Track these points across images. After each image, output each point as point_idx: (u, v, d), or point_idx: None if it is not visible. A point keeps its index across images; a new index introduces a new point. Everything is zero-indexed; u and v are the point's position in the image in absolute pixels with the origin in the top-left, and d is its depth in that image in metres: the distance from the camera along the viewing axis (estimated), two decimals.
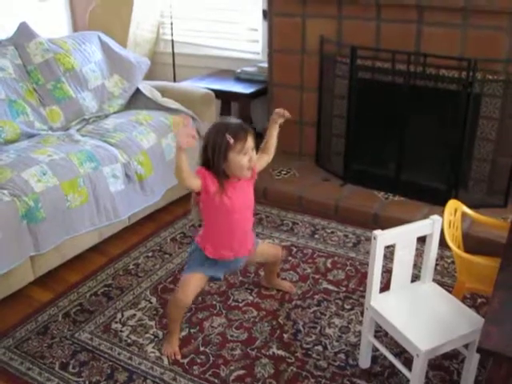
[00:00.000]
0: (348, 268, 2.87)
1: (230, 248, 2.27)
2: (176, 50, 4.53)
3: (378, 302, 2.07)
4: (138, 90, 3.66)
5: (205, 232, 2.29)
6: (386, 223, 2.84)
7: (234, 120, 2.19)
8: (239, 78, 4.14)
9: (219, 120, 2.25)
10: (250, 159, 2.12)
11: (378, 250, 1.98)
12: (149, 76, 4.02)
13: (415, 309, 2.07)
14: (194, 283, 2.25)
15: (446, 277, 2.77)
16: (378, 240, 1.96)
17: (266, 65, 3.93)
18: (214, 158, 2.09)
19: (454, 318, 1.99)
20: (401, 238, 2.03)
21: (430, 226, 2.06)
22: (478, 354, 1.90)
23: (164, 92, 3.69)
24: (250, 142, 2.12)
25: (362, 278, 2.75)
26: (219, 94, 3.86)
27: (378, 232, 1.96)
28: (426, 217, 2.10)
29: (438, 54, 3.09)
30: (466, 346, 2.00)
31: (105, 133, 3.17)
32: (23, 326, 2.48)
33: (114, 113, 3.53)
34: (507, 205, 3.20)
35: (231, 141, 2.05)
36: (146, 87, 3.69)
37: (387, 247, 2.04)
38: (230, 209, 2.18)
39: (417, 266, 2.36)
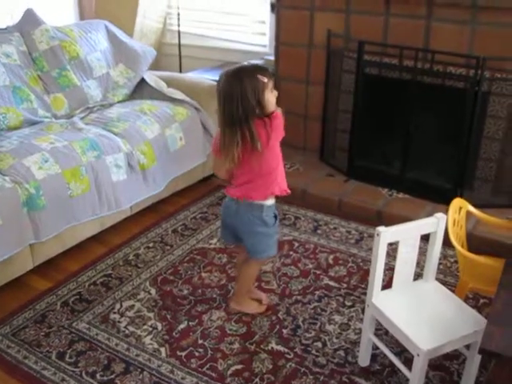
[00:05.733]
0: (350, 264, 2.84)
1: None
2: (182, 41, 4.51)
3: (380, 300, 2.05)
4: (143, 80, 3.64)
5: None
6: (390, 220, 2.82)
7: (244, 64, 2.25)
8: None
9: (226, 69, 2.19)
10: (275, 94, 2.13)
11: (381, 246, 1.95)
12: (155, 66, 4.00)
13: (417, 307, 2.04)
14: None
15: (448, 276, 2.74)
16: (382, 236, 1.93)
17: (272, 58, 3.90)
18: (249, 105, 2.03)
19: (456, 317, 1.97)
20: (404, 235, 2.01)
21: (435, 223, 2.03)
22: (479, 355, 1.88)
23: (169, 82, 3.67)
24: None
25: (364, 274, 2.72)
26: None
27: (381, 228, 1.94)
28: (429, 215, 2.06)
29: (446, 51, 3.05)
30: (468, 347, 1.98)
31: (108, 122, 3.15)
32: (21, 313, 2.47)
33: (119, 102, 3.51)
34: None
35: (265, 80, 2.05)
36: (151, 77, 3.67)
37: (390, 245, 2.02)
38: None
39: (420, 265, 2.33)
